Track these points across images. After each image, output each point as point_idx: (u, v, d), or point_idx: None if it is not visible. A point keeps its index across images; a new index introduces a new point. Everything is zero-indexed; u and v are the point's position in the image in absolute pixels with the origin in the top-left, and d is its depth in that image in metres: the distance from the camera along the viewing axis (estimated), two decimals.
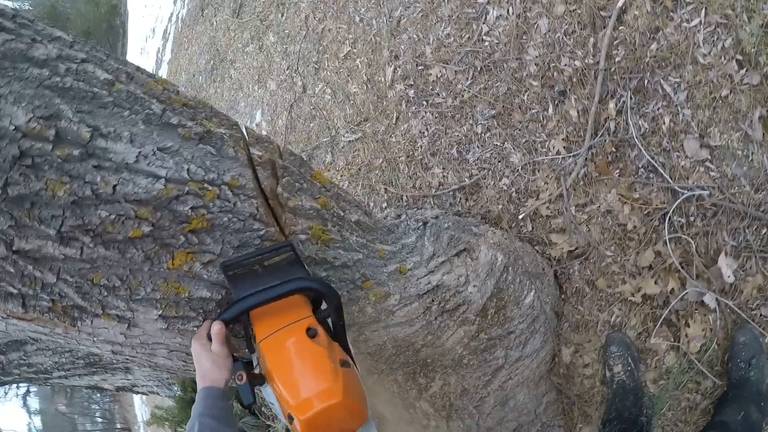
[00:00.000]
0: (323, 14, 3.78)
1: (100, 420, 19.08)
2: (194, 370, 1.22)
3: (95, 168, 1.04)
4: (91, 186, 1.03)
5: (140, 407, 12.16)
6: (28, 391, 13.99)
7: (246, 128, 1.46)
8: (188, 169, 1.18)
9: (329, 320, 1.25)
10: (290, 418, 1.01)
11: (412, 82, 2.98)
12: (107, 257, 1.10)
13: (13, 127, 0.91)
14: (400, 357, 1.75)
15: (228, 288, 1.27)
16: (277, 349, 1.10)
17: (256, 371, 1.21)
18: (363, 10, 3.39)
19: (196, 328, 1.31)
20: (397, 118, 3.05)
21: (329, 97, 3.61)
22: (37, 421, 16.69)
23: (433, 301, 1.79)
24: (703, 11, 1.98)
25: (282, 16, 4.27)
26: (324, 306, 1.27)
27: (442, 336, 1.81)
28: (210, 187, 1.21)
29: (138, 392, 2.66)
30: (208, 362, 1.16)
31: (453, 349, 1.85)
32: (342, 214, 1.62)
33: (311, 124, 3.76)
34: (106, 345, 1.28)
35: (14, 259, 1.00)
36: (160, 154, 1.14)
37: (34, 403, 16.00)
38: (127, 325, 1.22)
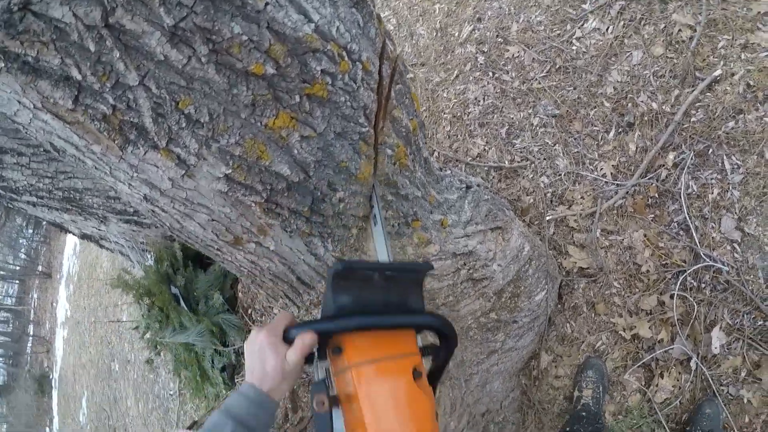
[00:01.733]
0: None
1: (23, 257, 16.95)
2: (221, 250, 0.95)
3: None
4: None
5: (69, 258, 10.88)
6: None
7: (379, 14, 1.14)
8: (338, 28, 0.86)
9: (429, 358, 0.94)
10: None
11: (486, 50, 2.62)
12: (212, 82, 0.75)
13: None
14: None
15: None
16: (375, 380, 0.80)
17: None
18: None
19: (254, 204, 0.99)
20: (457, 76, 2.70)
21: (392, 28, 3.19)
22: None
23: (464, 264, 1.57)
24: None
25: None
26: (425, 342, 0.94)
27: (461, 301, 1.57)
28: (346, 58, 0.89)
29: (103, 246, 2.22)
30: (274, 369, 0.84)
31: (465, 318, 1.61)
32: (420, 146, 1.37)
33: None
34: (142, 186, 0.92)
35: (101, 34, 0.64)
36: None
37: None
38: (183, 172, 0.87)
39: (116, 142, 0.78)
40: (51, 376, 11.67)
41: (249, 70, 0.76)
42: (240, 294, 1.83)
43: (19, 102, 0.73)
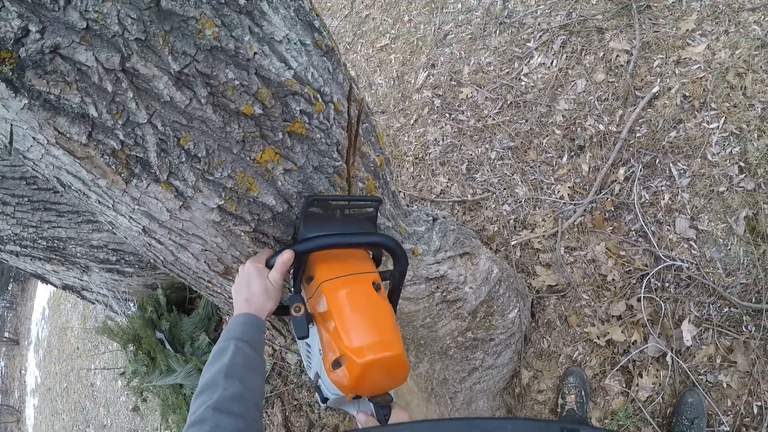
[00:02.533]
0: (372, 1, 3.58)
1: None
2: (224, 290, 1.09)
3: (248, 28, 0.83)
4: (236, 42, 0.82)
5: (38, 323, 10.64)
6: None
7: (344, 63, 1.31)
8: (312, 74, 1.01)
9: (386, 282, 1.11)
10: (336, 363, 0.89)
11: (441, 93, 2.84)
12: (209, 121, 0.87)
13: None
14: (401, 329, 1.60)
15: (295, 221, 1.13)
16: (341, 292, 0.96)
17: None
18: (415, 12, 3.23)
19: (243, 233, 1.10)
20: (416, 120, 2.90)
21: None
22: None
23: (437, 288, 1.68)
24: (723, 119, 2.03)
25: None
26: (383, 268, 1.14)
27: (438, 323, 1.68)
28: (320, 99, 1.04)
29: (85, 298, 2.25)
30: (260, 288, 0.99)
31: (443, 338, 1.72)
32: (387, 180, 1.51)
33: None
34: (142, 219, 1.02)
35: (118, 77, 0.76)
36: (298, 46, 0.96)
37: None
38: (181, 204, 0.98)
39: (122, 175, 0.88)
40: None
41: (240, 110, 0.89)
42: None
43: (34, 138, 0.83)
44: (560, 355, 2.09)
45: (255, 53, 0.86)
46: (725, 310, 1.88)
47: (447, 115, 2.77)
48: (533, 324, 2.17)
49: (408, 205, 2.22)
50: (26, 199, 1.69)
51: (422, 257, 1.69)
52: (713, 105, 2.05)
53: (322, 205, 1.05)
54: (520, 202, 2.38)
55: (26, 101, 0.74)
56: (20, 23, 0.67)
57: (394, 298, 1.12)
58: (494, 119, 2.59)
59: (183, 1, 0.73)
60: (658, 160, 2.12)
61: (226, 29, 0.80)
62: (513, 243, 2.30)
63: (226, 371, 0.84)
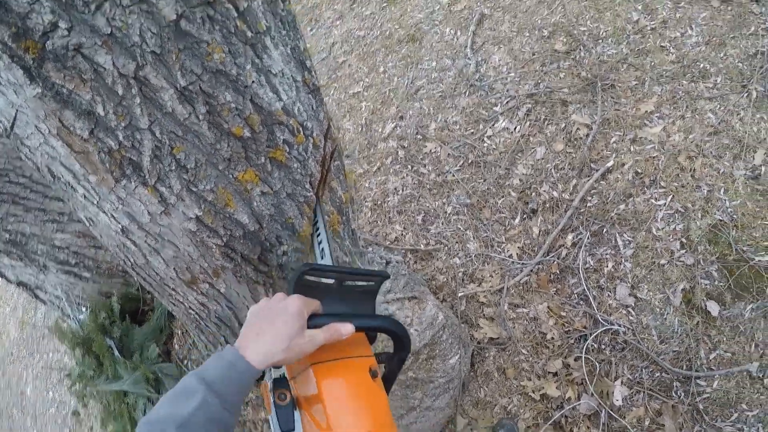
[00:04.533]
0: (351, 49, 3.80)
1: None
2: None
3: (251, 58, 0.96)
4: (238, 69, 0.94)
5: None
6: None
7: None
8: (298, 108, 1.14)
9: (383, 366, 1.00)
10: None
11: (406, 145, 3.03)
12: (202, 136, 0.98)
13: None
14: None
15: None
16: (333, 377, 0.85)
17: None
18: (390, 65, 3.46)
19: (215, 246, 1.19)
20: (379, 168, 3.06)
21: None
22: None
23: None
24: (670, 197, 2.27)
25: (311, 30, 4.26)
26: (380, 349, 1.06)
27: None
28: (302, 133, 1.17)
29: (38, 297, 2.20)
30: (288, 335, 0.81)
31: None
32: (349, 217, 1.64)
33: None
34: (123, 218, 1.10)
35: (130, 83, 0.86)
36: (290, 81, 1.09)
37: None
38: (163, 210, 1.06)
39: (113, 174, 0.97)
40: None
41: (232, 131, 1.00)
42: (176, 346, 1.91)
43: (36, 126, 0.90)
44: (495, 405, 2.19)
45: (253, 81, 0.98)
46: (657, 375, 2.04)
47: (409, 166, 2.95)
48: (472, 373, 2.27)
49: (364, 247, 2.35)
50: None
51: None
52: (662, 183, 2.29)
53: (319, 274, 0.95)
54: (471, 256, 2.54)
55: (39, 90, 0.81)
56: (51, 18, 0.76)
57: (388, 384, 1.00)
58: (454, 176, 2.78)
59: (199, 25, 0.85)
60: (605, 230, 2.33)
61: (231, 56, 0.92)
62: (460, 294, 2.44)
63: (180, 423, 0.71)
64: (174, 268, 1.23)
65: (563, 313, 2.27)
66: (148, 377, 1.76)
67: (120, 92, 0.86)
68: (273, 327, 0.81)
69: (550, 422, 2.09)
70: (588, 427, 2.05)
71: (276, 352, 0.80)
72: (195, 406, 0.72)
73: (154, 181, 1.00)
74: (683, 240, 2.17)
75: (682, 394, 1.98)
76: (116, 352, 1.83)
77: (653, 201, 2.30)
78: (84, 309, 2.01)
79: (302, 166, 1.22)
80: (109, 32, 0.79)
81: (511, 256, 2.46)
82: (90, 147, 0.93)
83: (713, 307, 2.02)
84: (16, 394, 5.73)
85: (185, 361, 1.82)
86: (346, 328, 0.85)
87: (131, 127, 0.92)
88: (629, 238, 2.28)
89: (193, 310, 1.41)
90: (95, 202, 1.06)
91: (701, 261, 2.11)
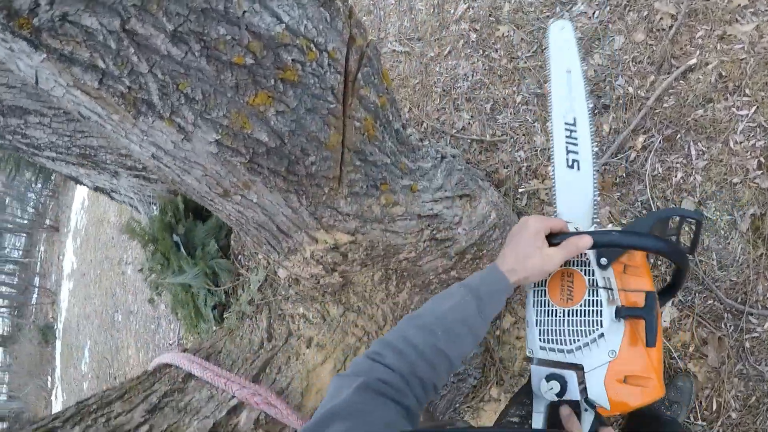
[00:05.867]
0: None
1: (31, 210, 17.79)
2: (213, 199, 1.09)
3: None
4: (225, 3, 0.95)
5: (77, 212, 11.20)
6: None
7: (351, 7, 1.41)
8: (305, 26, 1.13)
9: None
10: (630, 379, 0.88)
11: (478, 28, 2.84)
12: (203, 70, 1.02)
13: None
14: (384, 259, 1.78)
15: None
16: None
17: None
18: None
19: (240, 164, 1.27)
20: (449, 52, 2.93)
21: (393, 2, 3.41)
22: None
23: (428, 225, 1.82)
24: (754, 108, 1.98)
25: None
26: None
27: (423, 258, 1.84)
28: (314, 49, 1.16)
29: (114, 198, 2.53)
30: (535, 260, 0.90)
31: (426, 273, 1.89)
32: (390, 118, 1.63)
33: (364, 17, 3.56)
34: (150, 147, 1.21)
35: (121, 37, 0.91)
36: (291, 1, 1.07)
37: None
38: (183, 137, 1.15)
39: (131, 113, 1.06)
40: (55, 327, 12.22)
41: (232, 61, 1.03)
42: (232, 243, 2.14)
43: (56, 81, 1.01)
44: None
45: (245, 11, 0.98)
46: (709, 302, 1.95)
47: (481, 51, 2.79)
48: None
49: (421, 140, 2.34)
50: (61, 111, 1.91)
51: (420, 194, 1.82)
52: (747, 91, 2.01)
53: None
54: (536, 150, 2.45)
55: (44, 55, 0.90)
56: None
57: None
58: (526, 62, 2.60)
59: None
60: (679, 136, 2.13)
61: None
62: (521, 190, 2.41)
63: (438, 317, 0.81)
64: (206, 184, 1.35)
65: (624, 221, 2.17)
66: (207, 272, 2.00)
67: (113, 46, 0.92)
68: (514, 248, 0.92)
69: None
70: None
71: (518, 270, 0.89)
72: (452, 304, 0.84)
73: (168, 114, 1.08)
74: (762, 159, 1.93)
75: (732, 327, 1.90)
76: (181, 249, 2.07)
77: (735, 110, 2.02)
78: (154, 207, 2.26)
79: (320, 81, 1.23)
80: None
81: None
82: (104, 93, 1.02)
83: None
84: (118, 274, 6.67)
85: (239, 257, 2.03)
86: (584, 241, 0.91)
87: (134, 73, 0.98)
88: (703, 148, 2.06)
89: (233, 216, 1.55)
90: (124, 135, 1.17)
91: None
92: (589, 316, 0.90)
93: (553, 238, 0.93)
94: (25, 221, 18.24)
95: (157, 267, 2.16)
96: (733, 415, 1.85)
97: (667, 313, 1.99)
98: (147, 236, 2.18)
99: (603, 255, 0.94)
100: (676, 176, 2.09)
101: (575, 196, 1.14)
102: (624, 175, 2.22)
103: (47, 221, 15.77)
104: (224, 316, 1.97)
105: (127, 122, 1.09)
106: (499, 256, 0.93)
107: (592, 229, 1.09)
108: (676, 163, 2.11)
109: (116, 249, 7.05)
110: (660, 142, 2.15)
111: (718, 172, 2.01)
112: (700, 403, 1.90)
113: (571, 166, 1.17)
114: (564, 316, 0.92)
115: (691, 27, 2.21)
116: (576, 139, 1.20)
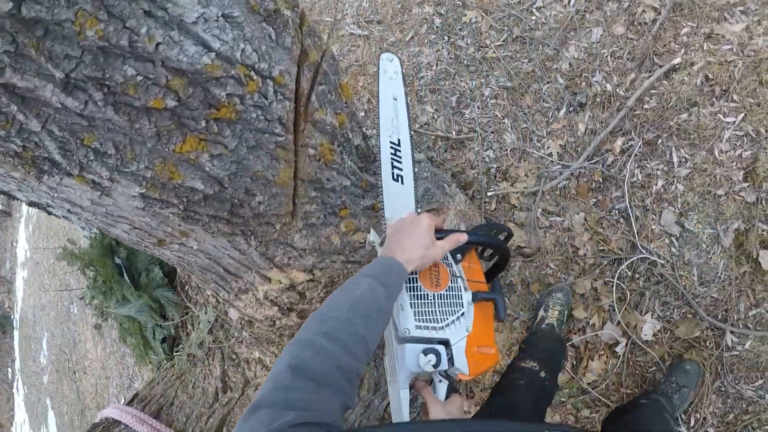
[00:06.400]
0: None
1: None
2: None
3: (145, 14, 0.74)
4: (131, 35, 0.73)
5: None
6: None
7: (302, 12, 1.20)
8: (243, 50, 0.92)
9: None
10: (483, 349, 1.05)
11: (443, 12, 2.63)
12: (112, 121, 0.81)
13: None
14: None
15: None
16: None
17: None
18: None
19: (172, 215, 1.07)
20: (411, 38, 2.71)
21: None
22: None
23: None
24: (742, 116, 1.85)
25: None
26: None
27: None
28: (255, 78, 0.96)
29: (52, 213, 2.27)
30: (423, 242, 1.00)
31: None
32: (350, 136, 1.46)
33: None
34: (64, 203, 1.00)
35: None
36: (221, 22, 0.86)
37: None
38: (100, 194, 0.95)
39: (32, 173, 0.85)
40: (12, 317, 11.74)
41: (148, 105, 0.83)
42: (179, 270, 1.93)
43: None
44: (516, 319, 2.13)
45: (159, 43, 0.77)
46: (688, 318, 1.87)
47: (446, 38, 2.59)
48: None
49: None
50: None
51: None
52: (735, 96, 1.87)
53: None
54: (506, 150, 2.30)
55: None
56: None
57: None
58: (495, 52, 2.42)
59: (50, 5, 0.64)
60: (660, 140, 1.98)
61: (116, 22, 0.71)
62: (489, 194, 2.25)
63: (350, 306, 0.84)
64: (136, 236, 1.15)
65: (600, 230, 2.04)
66: (152, 305, 1.80)
67: None
68: (410, 240, 1.00)
69: (569, 343, 2.01)
70: (606, 357, 1.96)
71: (415, 259, 0.98)
72: (362, 291, 0.86)
73: (78, 171, 0.88)
74: (748, 171, 1.81)
75: (712, 344, 1.82)
76: (124, 275, 1.86)
77: (721, 116, 1.88)
78: (93, 227, 2.02)
79: (265, 112, 1.05)
80: None
81: (551, 154, 2.19)
82: None
83: (765, 258, 1.73)
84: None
85: (186, 287, 1.83)
86: (463, 237, 1.08)
87: (24, 131, 0.77)
88: (686, 155, 1.92)
89: (173, 261, 1.35)
90: (32, 191, 0.95)
91: (764, 201, 1.77)
92: (453, 299, 1.07)
93: (437, 233, 1.07)
94: None
95: (99, 295, 1.94)
96: (711, 430, 1.80)
97: (649, 327, 1.90)
98: (86, 259, 1.95)
99: (458, 252, 1.14)
100: (656, 184, 1.96)
101: (399, 204, 1.28)
102: (601, 180, 2.08)
103: None
104: (175, 351, 1.78)
105: (30, 179, 0.88)
106: (395, 247, 1.00)
107: None
108: (657, 169, 1.97)
109: (70, 237, 6.67)
110: (640, 147, 2.01)
111: (701, 182, 1.89)
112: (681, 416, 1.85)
113: (396, 180, 1.31)
114: (434, 299, 1.06)
115: (675, 23, 2.06)
116: (400, 157, 1.33)
